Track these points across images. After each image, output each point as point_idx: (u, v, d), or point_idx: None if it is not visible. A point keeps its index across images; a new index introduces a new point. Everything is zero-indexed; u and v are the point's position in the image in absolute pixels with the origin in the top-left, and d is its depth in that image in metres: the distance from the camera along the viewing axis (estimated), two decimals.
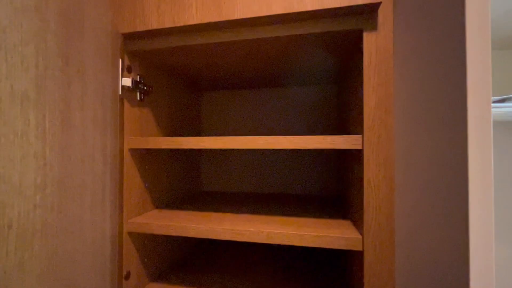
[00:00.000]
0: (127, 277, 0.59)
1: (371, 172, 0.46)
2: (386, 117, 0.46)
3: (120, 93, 0.55)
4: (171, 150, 0.78)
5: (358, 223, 0.51)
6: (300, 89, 0.92)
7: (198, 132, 0.98)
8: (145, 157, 0.65)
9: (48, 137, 0.40)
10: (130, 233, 0.59)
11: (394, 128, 0.46)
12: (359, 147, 0.47)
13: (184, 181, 0.86)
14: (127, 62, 0.58)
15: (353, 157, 0.58)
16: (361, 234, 0.48)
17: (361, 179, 0.49)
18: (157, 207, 0.70)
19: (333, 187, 0.89)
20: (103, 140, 0.51)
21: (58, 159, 0.42)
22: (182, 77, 0.82)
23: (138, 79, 0.61)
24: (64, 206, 0.43)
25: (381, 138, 0.46)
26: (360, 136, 0.47)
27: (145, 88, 0.63)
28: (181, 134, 0.86)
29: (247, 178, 0.96)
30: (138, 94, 0.62)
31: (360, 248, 0.47)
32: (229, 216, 0.61)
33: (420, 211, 0.42)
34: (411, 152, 0.44)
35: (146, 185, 0.65)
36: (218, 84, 0.90)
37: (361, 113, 0.50)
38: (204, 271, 0.73)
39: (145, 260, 0.65)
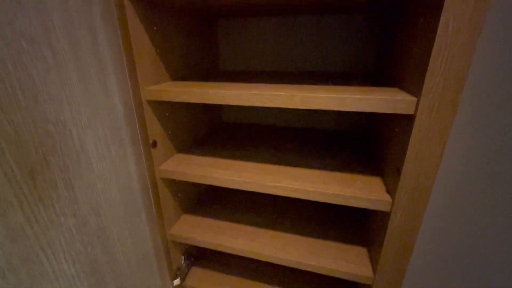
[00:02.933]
0: (154, 145, 0.58)
1: (455, 7, 0.33)
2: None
3: None
4: (182, 11, 0.64)
5: (411, 86, 0.43)
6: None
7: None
8: (150, 14, 0.53)
9: None
10: (149, 102, 0.55)
11: None
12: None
13: (200, 56, 0.76)
14: None
15: None
16: (417, 96, 0.40)
17: (431, 21, 0.37)
18: (173, 80, 0.63)
19: (368, 61, 0.77)
20: None
21: None
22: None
23: None
24: None
25: None
26: None
27: None
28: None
29: (269, 54, 0.83)
30: None
31: (411, 112, 0.40)
32: (255, 85, 0.54)
33: None
34: None
35: (158, 50, 0.56)
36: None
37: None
38: (227, 147, 0.73)
39: (169, 132, 0.64)
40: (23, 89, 0.28)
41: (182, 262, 0.78)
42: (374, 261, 0.56)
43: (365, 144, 0.73)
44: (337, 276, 0.57)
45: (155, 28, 0.55)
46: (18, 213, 0.24)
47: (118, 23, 0.43)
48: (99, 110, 0.39)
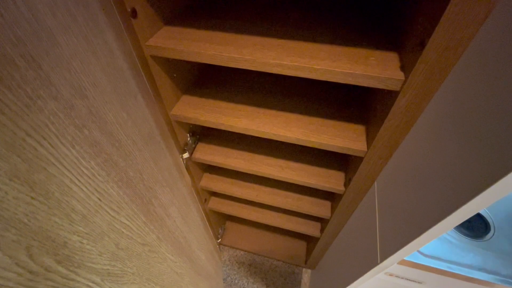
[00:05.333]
0: (134, 14, 0.49)
1: None
2: None
3: None
4: None
5: None
6: None
7: None
8: None
9: None
10: None
11: None
12: None
13: None
14: None
15: None
16: None
17: None
18: None
19: None
20: None
21: None
22: None
23: None
24: None
25: None
26: None
27: None
28: None
29: None
30: None
31: None
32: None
33: None
34: None
35: None
36: None
37: None
38: (222, 14, 0.62)
39: None
40: None
41: (188, 139, 0.83)
42: (370, 137, 0.58)
43: (387, 11, 0.61)
44: (335, 150, 0.61)
45: None
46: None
47: None
48: None
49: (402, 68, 0.45)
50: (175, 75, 0.68)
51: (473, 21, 0.34)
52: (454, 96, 0.39)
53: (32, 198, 0.26)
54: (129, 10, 0.48)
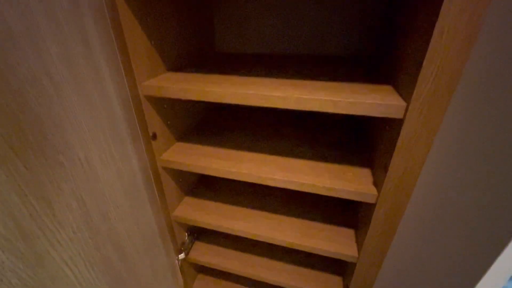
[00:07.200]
0: (154, 137, 0.61)
1: (451, 16, 0.33)
2: None
3: None
4: None
5: (402, 88, 0.44)
6: None
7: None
8: (146, 3, 0.51)
9: None
10: (147, 97, 0.55)
11: None
12: None
13: (195, 39, 0.74)
14: None
15: None
16: (406, 100, 0.41)
17: (427, 27, 0.37)
18: (168, 70, 0.63)
19: (370, 45, 0.75)
20: None
21: None
22: None
23: None
24: None
25: None
26: None
27: None
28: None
29: (267, 35, 0.81)
30: None
31: (400, 116, 0.42)
32: (252, 79, 0.55)
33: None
34: None
35: (153, 42, 0.56)
36: None
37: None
38: (225, 132, 0.75)
39: (168, 122, 0.66)
40: (33, 130, 0.30)
41: (186, 238, 0.85)
42: (359, 243, 0.61)
43: (360, 133, 0.75)
44: (327, 255, 0.63)
45: (148, 19, 0.53)
46: (43, 241, 0.27)
47: (110, 24, 0.42)
48: (100, 121, 0.41)
49: (375, 183, 0.53)
50: (180, 179, 0.76)
51: (419, 155, 0.44)
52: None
53: None
54: (151, 134, 0.60)
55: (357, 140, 0.70)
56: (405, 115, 0.41)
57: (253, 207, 0.76)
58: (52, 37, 0.33)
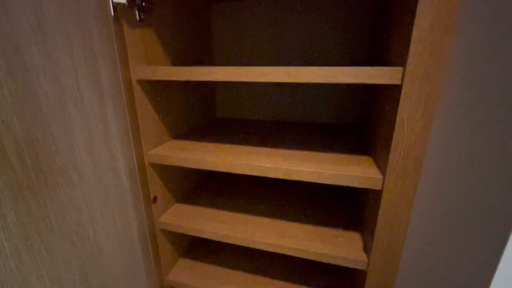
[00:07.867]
0: (155, 200, 0.64)
1: (407, 111, 0.41)
2: (441, 42, 0.37)
3: (112, 14, 0.47)
4: None
5: (380, 161, 0.49)
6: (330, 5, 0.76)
7: (209, 52, 0.89)
8: (155, 86, 0.60)
9: None
10: (152, 164, 0.61)
11: (448, 56, 0.37)
12: (398, 82, 0.40)
13: (198, 108, 0.83)
14: None
15: (386, 90, 0.51)
16: (383, 174, 0.46)
17: (392, 116, 0.44)
18: (173, 138, 0.70)
19: (355, 115, 0.84)
20: (93, 70, 0.46)
21: None
22: None
23: None
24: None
25: (428, 70, 0.38)
26: (401, 68, 0.40)
27: (143, 4, 0.53)
28: (191, 57, 0.78)
29: (263, 104, 0.91)
30: (136, 12, 0.52)
31: (379, 188, 0.47)
32: (246, 148, 0.61)
33: (453, 167, 0.38)
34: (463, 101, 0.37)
35: (161, 116, 0.64)
36: None
37: (406, 34, 0.40)
38: (222, 194, 0.79)
39: (169, 185, 0.70)
40: (57, 216, 0.35)
41: None
42: None
43: (350, 196, 0.78)
44: None
45: (159, 98, 0.62)
46: None
47: (126, 107, 0.50)
48: (110, 198, 0.46)
49: (365, 249, 0.55)
50: (176, 241, 0.77)
51: (401, 223, 0.47)
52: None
53: None
54: (152, 197, 0.64)
55: (347, 203, 0.74)
56: (382, 187, 0.46)
57: (249, 271, 0.75)
58: (81, 132, 0.39)
